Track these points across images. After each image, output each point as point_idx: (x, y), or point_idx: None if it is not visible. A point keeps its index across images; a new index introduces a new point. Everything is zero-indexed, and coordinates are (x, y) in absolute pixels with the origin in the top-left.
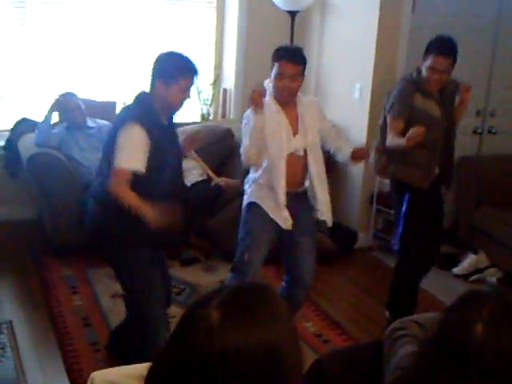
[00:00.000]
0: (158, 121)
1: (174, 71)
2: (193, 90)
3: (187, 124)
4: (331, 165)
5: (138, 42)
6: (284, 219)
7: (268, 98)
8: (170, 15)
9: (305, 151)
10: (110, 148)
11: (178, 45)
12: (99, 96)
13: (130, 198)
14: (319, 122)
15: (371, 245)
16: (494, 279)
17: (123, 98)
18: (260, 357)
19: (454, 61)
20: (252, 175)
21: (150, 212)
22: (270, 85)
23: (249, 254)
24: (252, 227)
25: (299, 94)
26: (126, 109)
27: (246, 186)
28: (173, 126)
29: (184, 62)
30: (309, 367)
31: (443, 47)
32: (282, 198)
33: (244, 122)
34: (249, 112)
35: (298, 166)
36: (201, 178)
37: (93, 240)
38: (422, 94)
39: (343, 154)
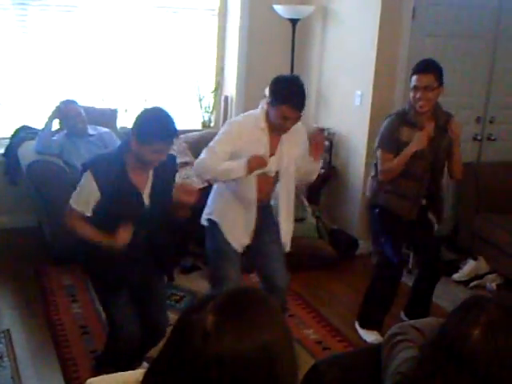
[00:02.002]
0: (119, 175)
1: (148, 133)
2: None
3: (188, 131)
4: (332, 173)
5: (139, 50)
6: (240, 244)
7: (260, 112)
8: (171, 23)
9: (277, 173)
10: None
11: (179, 52)
12: (100, 103)
13: (87, 231)
14: (301, 147)
15: (372, 252)
16: (493, 285)
17: (124, 106)
18: (255, 361)
19: (438, 78)
20: (216, 186)
21: (110, 238)
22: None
23: (223, 270)
24: (219, 242)
25: None
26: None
27: (209, 198)
28: (164, 176)
29: (160, 126)
30: (306, 372)
31: (421, 65)
32: (253, 211)
33: (226, 129)
34: (237, 140)
35: (267, 184)
36: (201, 186)
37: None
38: (408, 127)
39: (308, 162)
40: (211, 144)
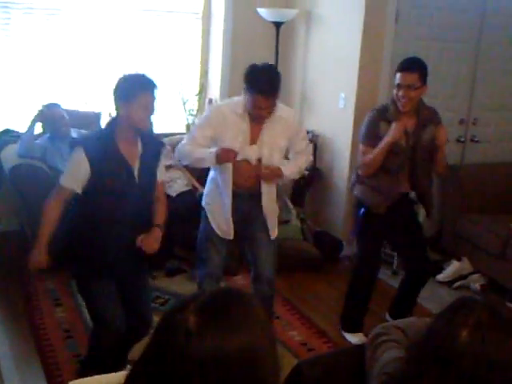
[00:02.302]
0: (109, 149)
1: (132, 89)
2: (158, 104)
3: (173, 134)
4: (316, 176)
5: (123, 53)
6: (221, 231)
7: (240, 99)
8: (155, 26)
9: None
10: None
11: (163, 55)
12: (83, 107)
13: (46, 218)
14: (287, 139)
15: (354, 254)
16: (477, 285)
17: (108, 109)
18: (237, 360)
19: (422, 77)
20: (210, 171)
21: (38, 253)
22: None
23: (206, 252)
24: (206, 225)
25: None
26: (89, 132)
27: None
28: (151, 159)
29: (140, 79)
30: (289, 372)
31: (406, 63)
32: (228, 200)
33: (206, 113)
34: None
35: (249, 171)
36: (186, 188)
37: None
38: (386, 122)
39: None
40: (191, 128)
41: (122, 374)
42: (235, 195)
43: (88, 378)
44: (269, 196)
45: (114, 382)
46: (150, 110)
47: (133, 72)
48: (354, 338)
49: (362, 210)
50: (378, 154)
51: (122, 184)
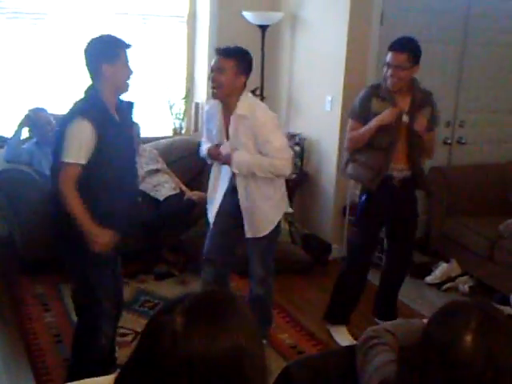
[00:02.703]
0: (106, 115)
1: (114, 49)
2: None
3: (159, 138)
4: (303, 178)
5: None
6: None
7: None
8: (141, 30)
9: None
10: (59, 146)
11: (149, 59)
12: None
13: (76, 205)
14: (250, 138)
15: (345, 256)
16: (466, 287)
17: None
18: (224, 362)
19: (412, 58)
20: None
21: (95, 231)
22: None
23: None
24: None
25: (243, 103)
26: (75, 104)
27: None
28: (128, 122)
29: (115, 38)
30: (278, 375)
31: (397, 43)
32: (217, 191)
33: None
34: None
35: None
36: (173, 192)
37: (58, 247)
38: (378, 99)
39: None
40: None
41: (110, 377)
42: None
43: (76, 382)
44: (246, 192)
45: None
46: (130, 68)
47: (100, 34)
48: (341, 339)
49: (364, 196)
50: (367, 132)
51: (125, 153)
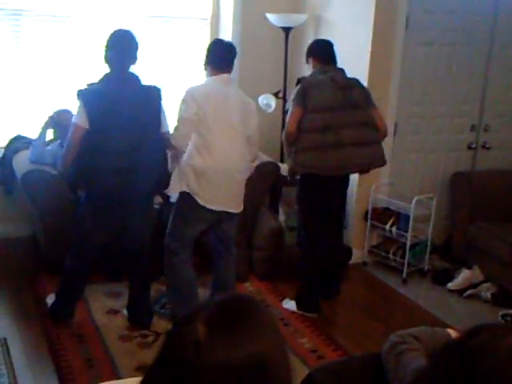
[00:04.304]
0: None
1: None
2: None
3: None
4: None
5: None
6: None
7: None
8: (164, 32)
9: None
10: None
11: (172, 61)
12: None
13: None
14: None
15: (366, 261)
16: (488, 294)
17: None
18: (248, 371)
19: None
20: None
21: None
22: None
23: None
24: None
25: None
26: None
27: None
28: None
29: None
30: (301, 382)
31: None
32: None
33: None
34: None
35: None
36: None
37: None
38: None
39: None
40: None
41: (135, 380)
42: None
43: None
44: None
45: None
46: None
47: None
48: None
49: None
50: None
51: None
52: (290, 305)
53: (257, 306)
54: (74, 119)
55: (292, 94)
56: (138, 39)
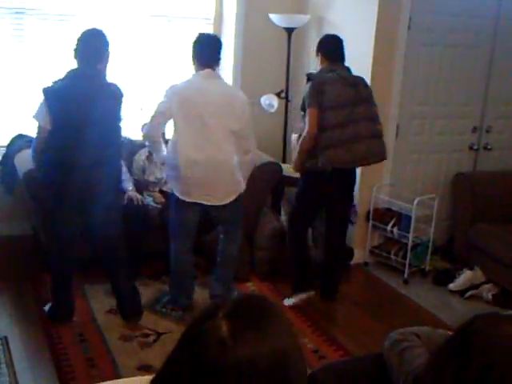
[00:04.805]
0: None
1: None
2: None
3: None
4: None
5: (135, 59)
6: None
7: None
8: (167, 32)
9: None
10: None
11: (175, 61)
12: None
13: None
14: None
15: (367, 261)
16: (489, 295)
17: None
18: (271, 366)
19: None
20: None
21: None
22: None
23: None
24: None
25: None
26: None
27: None
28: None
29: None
30: None
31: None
32: None
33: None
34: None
35: None
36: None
37: None
38: None
39: None
40: None
41: (144, 379)
42: None
43: (110, 382)
44: None
45: None
46: None
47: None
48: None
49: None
50: None
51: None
52: (289, 301)
53: (272, 304)
54: (36, 118)
55: (304, 93)
56: (107, 38)
